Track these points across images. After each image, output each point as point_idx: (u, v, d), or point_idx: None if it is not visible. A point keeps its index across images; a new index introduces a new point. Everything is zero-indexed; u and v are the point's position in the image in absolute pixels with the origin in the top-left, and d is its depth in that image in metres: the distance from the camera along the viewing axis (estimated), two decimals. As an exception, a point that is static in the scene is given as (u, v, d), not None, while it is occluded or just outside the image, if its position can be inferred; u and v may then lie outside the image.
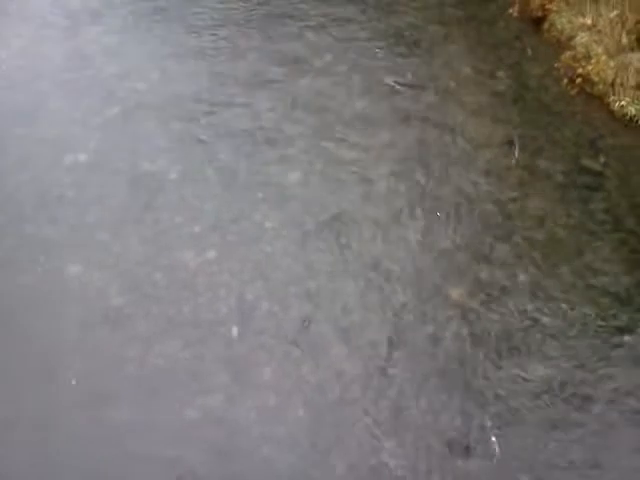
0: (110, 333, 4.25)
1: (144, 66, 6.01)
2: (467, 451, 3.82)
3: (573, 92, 5.92)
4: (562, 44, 6.26)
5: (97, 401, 3.97)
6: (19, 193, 5.00)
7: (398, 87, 5.95)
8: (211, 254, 4.67)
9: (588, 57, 5.96)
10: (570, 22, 6.34)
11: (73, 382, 4.01)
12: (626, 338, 4.32)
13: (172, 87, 5.79)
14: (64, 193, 4.98)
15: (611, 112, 5.71)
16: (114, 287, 4.46)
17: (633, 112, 5.65)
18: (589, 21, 6.27)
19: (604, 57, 5.90)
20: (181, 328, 4.31)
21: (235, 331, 4.30)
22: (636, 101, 5.67)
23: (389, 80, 6.00)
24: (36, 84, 5.78)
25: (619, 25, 6.10)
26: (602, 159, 5.37)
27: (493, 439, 3.86)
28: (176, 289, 4.47)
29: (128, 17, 6.46)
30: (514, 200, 5.17)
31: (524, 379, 4.13)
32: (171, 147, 5.36)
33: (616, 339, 4.33)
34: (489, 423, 3.93)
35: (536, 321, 4.43)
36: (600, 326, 4.40)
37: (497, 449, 3.83)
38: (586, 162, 5.45)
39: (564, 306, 4.50)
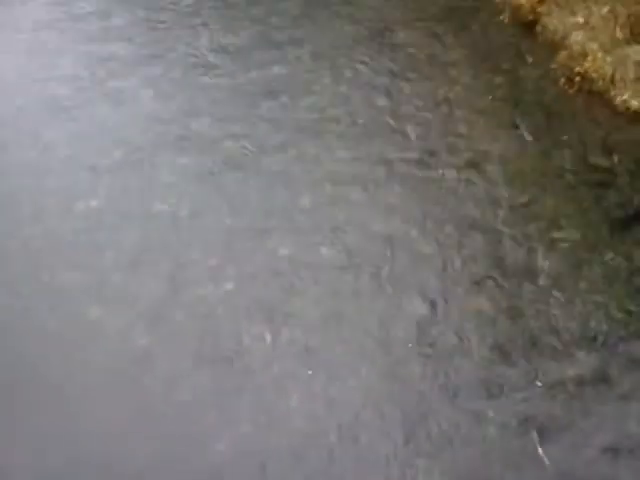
0: (136, 373, 4.24)
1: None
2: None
3: (573, 91, 5.93)
4: (557, 45, 6.29)
5: (125, 440, 3.94)
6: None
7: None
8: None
9: (584, 55, 5.97)
10: (562, 22, 6.38)
11: (100, 424, 3.99)
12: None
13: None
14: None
15: (614, 107, 5.70)
16: (136, 327, 4.46)
17: (636, 105, 5.63)
18: (581, 19, 6.30)
19: (600, 53, 5.91)
20: (205, 362, 4.29)
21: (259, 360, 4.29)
22: (638, 94, 5.66)
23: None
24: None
25: (612, 20, 6.12)
26: (615, 157, 5.35)
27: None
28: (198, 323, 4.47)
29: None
30: (526, 204, 5.15)
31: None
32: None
33: None
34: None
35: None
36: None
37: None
38: (594, 160, 5.43)
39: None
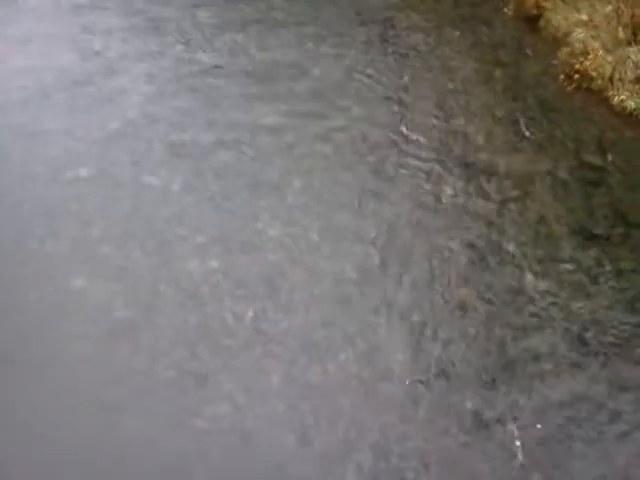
0: (116, 345, 4.24)
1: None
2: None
3: (571, 88, 5.92)
4: (559, 41, 6.27)
5: (104, 411, 3.95)
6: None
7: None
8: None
9: (585, 53, 5.96)
10: (566, 19, 6.35)
11: (80, 394, 4.00)
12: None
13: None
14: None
15: (610, 107, 5.70)
16: (119, 300, 4.46)
17: (633, 106, 5.63)
18: (585, 17, 6.28)
19: (601, 52, 5.89)
20: (187, 338, 4.30)
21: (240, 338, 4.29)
22: (635, 95, 5.65)
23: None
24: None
25: (615, 19, 6.10)
26: (608, 156, 5.35)
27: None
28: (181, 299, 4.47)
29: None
30: (517, 199, 5.15)
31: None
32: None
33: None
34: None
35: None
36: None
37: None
38: (588, 158, 5.43)
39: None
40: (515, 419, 3.85)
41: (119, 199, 5.09)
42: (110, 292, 4.48)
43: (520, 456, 3.71)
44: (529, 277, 4.59)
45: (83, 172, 5.27)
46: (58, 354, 4.23)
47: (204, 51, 6.46)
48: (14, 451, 3.76)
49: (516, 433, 3.79)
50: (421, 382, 4.05)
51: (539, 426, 3.83)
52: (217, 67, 6.31)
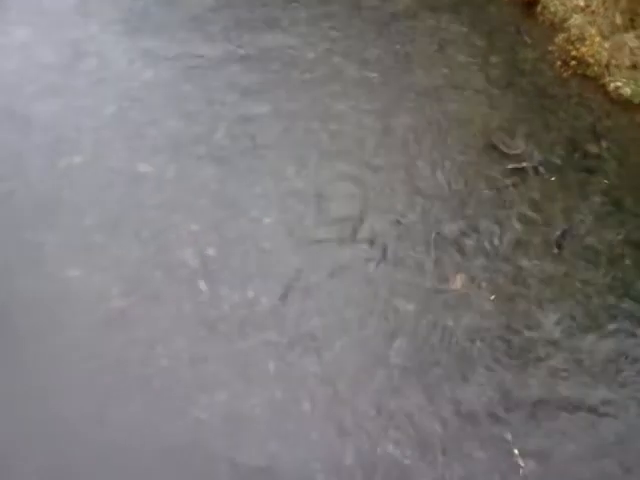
0: (112, 335, 4.24)
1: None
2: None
3: (568, 75, 5.89)
4: (556, 27, 6.22)
5: (102, 402, 3.96)
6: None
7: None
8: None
9: (582, 39, 5.92)
10: (563, 4, 6.30)
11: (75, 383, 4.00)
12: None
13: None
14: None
15: (607, 93, 5.68)
16: (115, 289, 4.45)
17: (629, 93, 5.61)
18: (582, 2, 6.23)
19: (598, 38, 5.86)
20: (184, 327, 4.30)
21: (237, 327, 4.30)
22: (632, 82, 5.63)
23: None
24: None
25: (612, 5, 6.06)
26: (603, 143, 5.35)
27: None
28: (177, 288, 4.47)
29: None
30: (514, 185, 5.15)
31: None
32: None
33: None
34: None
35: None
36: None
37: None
38: (583, 145, 5.43)
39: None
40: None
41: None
42: (105, 281, 4.47)
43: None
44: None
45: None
46: (53, 344, 4.23)
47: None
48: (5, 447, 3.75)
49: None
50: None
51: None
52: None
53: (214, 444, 3.86)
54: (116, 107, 5.60)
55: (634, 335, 4.37)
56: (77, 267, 4.55)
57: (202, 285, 4.52)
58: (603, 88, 5.72)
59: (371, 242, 4.75)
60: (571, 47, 5.93)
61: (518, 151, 5.36)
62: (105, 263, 4.58)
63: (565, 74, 5.91)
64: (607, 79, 5.72)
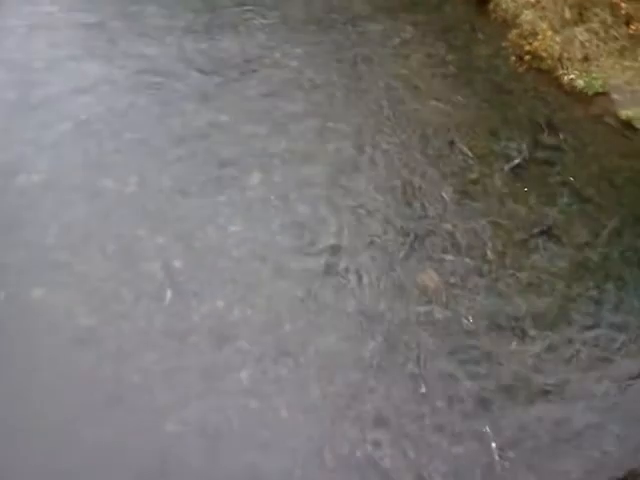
0: (81, 353, 4.15)
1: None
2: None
3: (522, 69, 6.00)
4: (508, 23, 6.34)
5: (73, 421, 3.88)
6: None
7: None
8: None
9: (534, 34, 6.04)
10: (514, 1, 6.42)
11: (46, 404, 3.91)
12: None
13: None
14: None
15: (561, 86, 5.80)
16: (81, 306, 4.36)
17: (582, 84, 5.74)
18: (532, -2, 6.36)
19: (550, 32, 5.99)
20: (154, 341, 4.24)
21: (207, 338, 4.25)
22: (584, 74, 5.77)
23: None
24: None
25: (561, 0, 6.19)
26: (561, 135, 5.45)
27: None
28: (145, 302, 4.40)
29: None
30: (474, 182, 5.21)
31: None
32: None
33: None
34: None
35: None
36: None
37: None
38: (541, 137, 5.52)
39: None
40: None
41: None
42: (71, 300, 4.38)
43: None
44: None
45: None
46: (21, 366, 4.12)
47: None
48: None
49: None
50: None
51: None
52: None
53: (190, 459, 3.80)
54: (72, 123, 5.50)
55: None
56: (42, 286, 4.45)
57: (170, 297, 4.46)
58: (557, 81, 5.84)
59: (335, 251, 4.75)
60: (524, 42, 6.04)
61: (478, 148, 5.43)
62: (70, 280, 4.49)
63: (520, 69, 6.01)
64: (560, 72, 5.85)
